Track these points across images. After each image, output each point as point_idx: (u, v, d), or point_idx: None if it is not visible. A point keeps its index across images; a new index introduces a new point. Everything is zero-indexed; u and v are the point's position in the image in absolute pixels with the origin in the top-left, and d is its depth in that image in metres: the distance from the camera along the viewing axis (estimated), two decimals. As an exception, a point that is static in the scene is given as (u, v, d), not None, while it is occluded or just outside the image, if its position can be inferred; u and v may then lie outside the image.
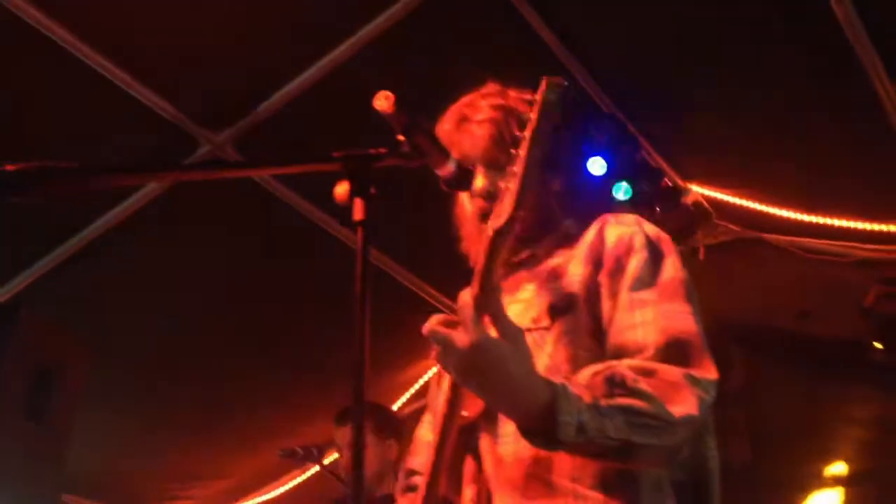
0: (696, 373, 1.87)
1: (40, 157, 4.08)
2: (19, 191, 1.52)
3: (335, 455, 4.93)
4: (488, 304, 1.80)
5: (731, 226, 5.47)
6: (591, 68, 4.57)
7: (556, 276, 2.14)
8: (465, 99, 2.35)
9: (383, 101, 1.78)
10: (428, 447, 2.20)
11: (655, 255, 2.07)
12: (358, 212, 1.68)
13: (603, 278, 2.07)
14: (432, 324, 1.80)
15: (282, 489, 6.65)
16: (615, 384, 1.81)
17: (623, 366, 1.86)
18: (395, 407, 6.20)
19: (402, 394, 6.30)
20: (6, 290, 4.68)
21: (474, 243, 2.24)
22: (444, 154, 1.93)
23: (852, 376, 5.79)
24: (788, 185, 5.02)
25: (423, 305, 5.54)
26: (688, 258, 5.47)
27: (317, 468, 5.08)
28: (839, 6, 3.70)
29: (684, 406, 1.82)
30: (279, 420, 6.01)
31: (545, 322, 2.05)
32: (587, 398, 1.77)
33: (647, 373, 1.85)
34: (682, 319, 1.96)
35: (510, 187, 1.84)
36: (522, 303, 2.10)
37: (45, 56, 3.87)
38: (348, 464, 4.58)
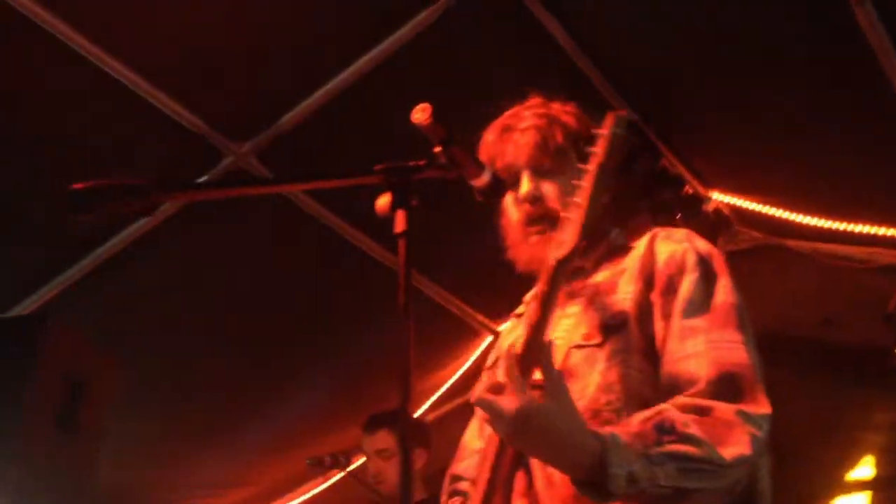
0: (748, 409, 1.88)
1: (62, 168, 4.14)
2: (87, 209, 1.54)
3: (360, 461, 4.93)
4: (540, 353, 1.82)
5: (752, 232, 5.47)
6: (610, 75, 4.57)
7: (606, 291, 2.15)
8: (509, 111, 2.38)
9: (421, 114, 1.81)
10: (477, 456, 2.25)
11: (708, 276, 2.08)
12: (400, 223, 1.70)
13: (655, 298, 2.08)
14: (479, 391, 1.82)
15: (305, 496, 6.66)
16: (665, 431, 1.81)
17: (673, 410, 1.86)
18: (416, 414, 6.21)
19: (424, 401, 6.30)
20: (33, 300, 4.69)
21: (520, 250, 2.27)
22: (479, 165, 1.96)
23: (875, 383, 5.77)
24: (810, 191, 5.01)
25: (444, 314, 5.56)
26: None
27: (339, 476, 5.09)
28: (861, 11, 3.70)
29: (737, 447, 1.83)
30: (301, 428, 6.03)
31: (597, 339, 2.07)
32: (638, 447, 1.78)
33: (700, 411, 1.86)
34: (735, 350, 1.97)
35: (572, 217, 1.86)
36: (572, 317, 2.12)
37: (65, 66, 3.89)
38: (376, 471, 4.64)
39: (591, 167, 1.88)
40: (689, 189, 5.15)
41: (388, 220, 1.75)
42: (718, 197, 5.32)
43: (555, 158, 2.25)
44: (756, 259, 5.52)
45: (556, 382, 1.82)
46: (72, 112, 4.11)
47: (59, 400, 3.90)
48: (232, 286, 5.05)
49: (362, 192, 1.86)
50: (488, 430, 1.96)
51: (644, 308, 2.08)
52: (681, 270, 2.09)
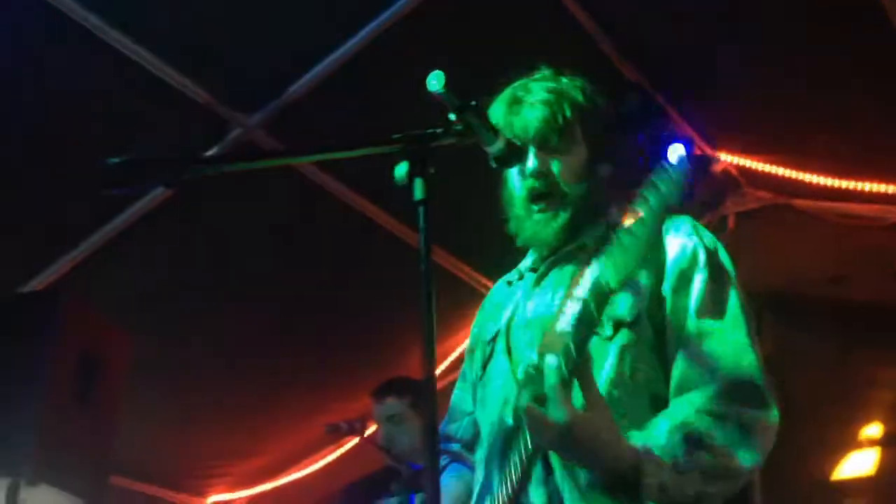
0: (762, 415, 1.99)
1: (67, 144, 4.13)
2: (121, 182, 1.56)
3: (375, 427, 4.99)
4: (582, 375, 1.88)
5: (760, 193, 5.47)
6: (616, 38, 4.57)
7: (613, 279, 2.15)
8: (518, 82, 2.37)
9: (435, 82, 1.81)
10: (468, 418, 2.43)
11: (717, 276, 2.13)
12: (419, 191, 1.71)
13: (667, 293, 2.13)
14: (526, 402, 1.89)
15: (321, 462, 6.72)
16: (692, 442, 1.91)
17: (697, 419, 1.95)
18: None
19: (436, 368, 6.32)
20: (46, 276, 4.72)
21: (523, 225, 2.28)
22: (494, 132, 1.96)
23: (885, 340, 5.80)
24: (818, 150, 5.00)
25: (455, 282, 5.57)
26: (718, 227, 5.51)
27: (353, 443, 5.14)
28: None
29: (753, 454, 1.96)
30: (315, 397, 6.07)
31: (607, 332, 2.09)
32: (667, 458, 1.89)
33: (720, 417, 1.95)
34: (747, 354, 2.04)
35: (628, 246, 1.84)
36: (580, 303, 2.08)
37: (68, 42, 3.91)
38: (388, 435, 4.71)
39: (655, 203, 1.84)
40: (697, 150, 5.14)
41: (405, 189, 1.76)
42: (726, 157, 5.31)
43: (562, 135, 2.26)
44: (764, 219, 5.53)
45: (598, 396, 1.90)
46: (76, 87, 4.12)
47: (76, 374, 3.93)
48: (244, 259, 5.07)
49: (374, 162, 1.87)
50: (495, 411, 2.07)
51: (654, 302, 2.12)
52: (691, 266, 2.13)
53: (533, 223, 2.25)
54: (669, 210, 1.84)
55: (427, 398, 1.60)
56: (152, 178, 1.61)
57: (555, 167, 2.25)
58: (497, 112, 2.30)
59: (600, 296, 1.87)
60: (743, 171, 5.36)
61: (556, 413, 1.83)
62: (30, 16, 3.79)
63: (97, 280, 4.72)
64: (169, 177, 1.62)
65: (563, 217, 2.23)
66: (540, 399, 1.87)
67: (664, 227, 2.19)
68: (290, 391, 5.99)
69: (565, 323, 1.91)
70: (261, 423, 6.21)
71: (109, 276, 4.78)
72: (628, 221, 1.85)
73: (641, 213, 1.84)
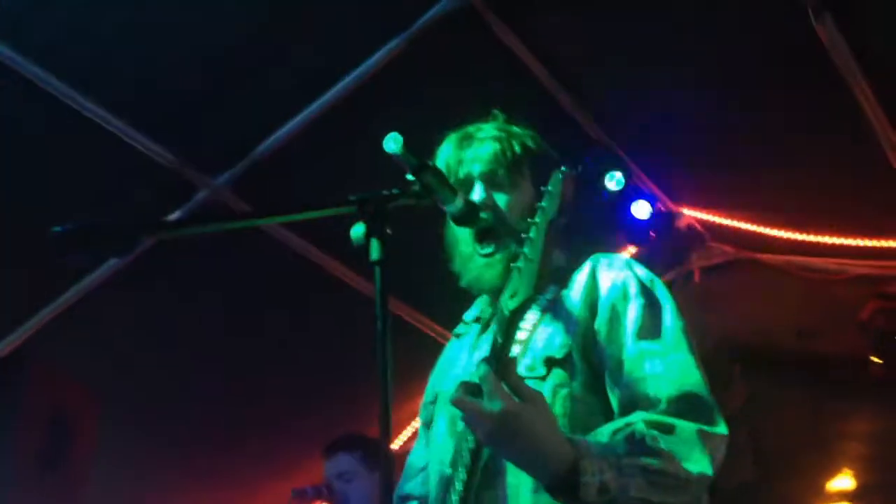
0: (708, 429, 1.94)
1: (39, 207, 4.12)
2: (70, 251, 1.55)
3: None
4: (507, 375, 1.85)
5: (725, 247, 5.52)
6: (577, 94, 4.63)
7: (551, 318, 2.17)
8: (471, 124, 2.41)
9: (393, 143, 1.84)
10: (422, 475, 2.38)
11: (653, 302, 2.14)
12: (375, 252, 1.72)
13: (600, 326, 2.12)
14: (459, 393, 1.85)
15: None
16: (635, 443, 1.86)
17: (641, 423, 1.91)
18: (397, 442, 6.16)
19: (402, 430, 6.24)
20: (12, 339, 4.67)
21: (467, 267, 2.30)
22: (452, 191, 1.99)
23: (852, 392, 5.83)
24: (780, 204, 5.06)
25: (422, 339, 5.55)
26: (684, 282, 5.56)
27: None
28: (823, 31, 3.76)
29: (700, 464, 1.89)
30: (282, 458, 6.01)
31: (540, 371, 2.10)
32: (610, 457, 1.83)
33: (665, 429, 1.91)
34: (690, 371, 2.03)
35: (524, 269, 1.88)
36: (517, 343, 2.10)
37: (37, 104, 3.91)
38: (340, 493, 4.68)
39: (541, 222, 1.90)
40: (660, 206, 5.19)
41: (364, 248, 1.77)
42: (689, 213, 5.36)
43: (510, 171, 2.28)
44: (729, 273, 5.58)
45: (531, 391, 1.86)
46: (45, 150, 4.11)
47: (45, 439, 3.88)
48: (210, 319, 5.04)
49: (338, 220, 1.88)
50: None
51: (588, 338, 2.12)
52: (624, 298, 2.14)
53: (476, 266, 2.27)
54: (554, 225, 1.88)
55: (382, 456, 1.59)
56: (105, 247, 1.60)
57: (500, 201, 2.27)
58: (447, 148, 2.35)
59: (502, 322, 1.89)
60: (707, 225, 5.42)
61: (491, 403, 1.79)
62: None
63: (64, 342, 4.68)
64: (121, 246, 1.61)
65: (508, 257, 2.18)
66: (474, 390, 1.83)
67: (597, 264, 2.23)
68: (257, 454, 5.93)
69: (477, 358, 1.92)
70: (227, 486, 6.13)
71: (76, 338, 4.74)
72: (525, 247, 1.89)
73: (531, 235, 1.88)
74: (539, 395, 1.88)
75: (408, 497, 2.48)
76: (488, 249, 2.24)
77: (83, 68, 3.88)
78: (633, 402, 2.00)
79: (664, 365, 2.03)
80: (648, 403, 1.98)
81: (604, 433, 1.91)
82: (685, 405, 1.96)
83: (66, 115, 3.96)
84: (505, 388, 1.83)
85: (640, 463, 1.84)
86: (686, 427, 1.91)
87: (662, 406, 1.96)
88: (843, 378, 5.83)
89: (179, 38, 3.90)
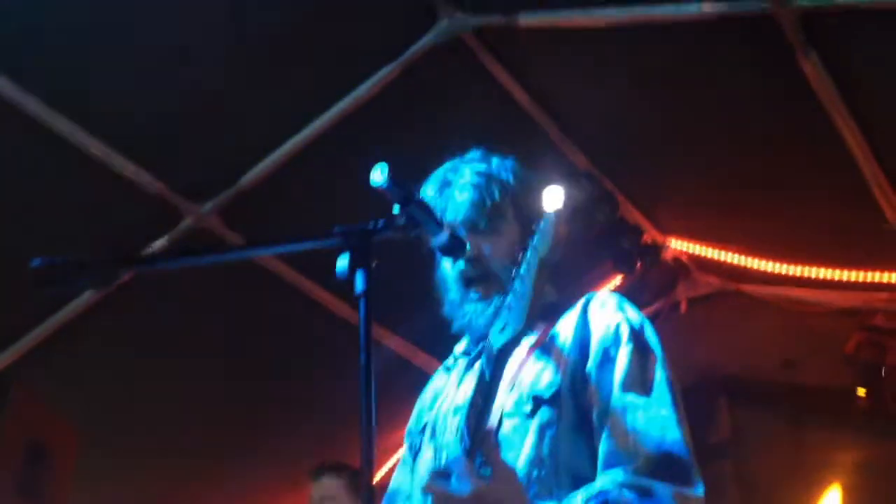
0: (685, 491, 1.95)
1: (21, 233, 4.09)
2: (48, 284, 1.55)
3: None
4: (486, 439, 1.88)
5: (710, 278, 5.54)
6: (565, 126, 4.64)
7: (539, 355, 2.17)
8: (449, 164, 2.41)
9: (379, 175, 1.84)
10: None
11: (643, 350, 2.13)
12: (360, 284, 1.72)
13: (591, 369, 2.12)
14: (430, 480, 1.90)
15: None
16: None
17: (615, 489, 1.91)
18: (380, 472, 6.10)
19: (386, 460, 6.18)
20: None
21: (458, 311, 2.31)
22: (438, 224, 1.98)
23: (837, 423, 5.83)
24: (766, 237, 5.08)
25: (407, 370, 5.53)
26: (670, 312, 5.57)
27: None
28: (807, 64, 3.79)
29: None
30: (271, 483, 5.97)
31: (528, 408, 2.09)
32: None
33: (641, 492, 1.91)
34: (672, 429, 2.03)
35: (513, 306, 1.89)
36: (505, 379, 2.10)
37: (19, 132, 3.89)
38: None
39: (532, 259, 1.90)
40: (647, 238, 5.21)
41: (349, 281, 1.77)
42: (676, 244, 5.38)
43: (491, 217, 2.29)
44: (715, 304, 5.59)
45: (504, 466, 1.88)
46: (28, 178, 4.09)
47: (22, 466, 3.85)
48: (193, 348, 5.01)
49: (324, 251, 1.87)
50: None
51: (578, 379, 2.11)
52: (616, 342, 2.13)
53: (468, 311, 2.27)
54: (546, 262, 1.88)
55: (364, 486, 1.58)
56: (84, 279, 1.60)
57: (486, 249, 2.27)
58: (429, 194, 2.35)
59: (490, 357, 1.89)
60: (692, 257, 5.43)
61: (459, 486, 1.80)
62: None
63: (44, 370, 4.64)
64: (100, 279, 1.61)
65: (497, 303, 2.18)
66: (443, 472, 1.85)
67: (589, 304, 2.22)
68: (240, 483, 5.89)
69: (464, 397, 1.92)
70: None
71: (56, 367, 4.70)
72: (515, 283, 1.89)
73: (521, 272, 1.88)
74: (512, 472, 1.89)
75: None
76: (478, 294, 2.25)
77: (67, 93, 3.87)
78: (612, 457, 2.00)
79: (647, 420, 2.02)
80: (627, 459, 1.98)
81: (576, 500, 1.91)
82: (664, 465, 1.96)
83: (49, 141, 3.93)
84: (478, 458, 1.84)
85: None
86: (663, 490, 1.92)
87: (640, 463, 1.96)
88: (828, 409, 5.84)
89: (167, 64, 3.90)
